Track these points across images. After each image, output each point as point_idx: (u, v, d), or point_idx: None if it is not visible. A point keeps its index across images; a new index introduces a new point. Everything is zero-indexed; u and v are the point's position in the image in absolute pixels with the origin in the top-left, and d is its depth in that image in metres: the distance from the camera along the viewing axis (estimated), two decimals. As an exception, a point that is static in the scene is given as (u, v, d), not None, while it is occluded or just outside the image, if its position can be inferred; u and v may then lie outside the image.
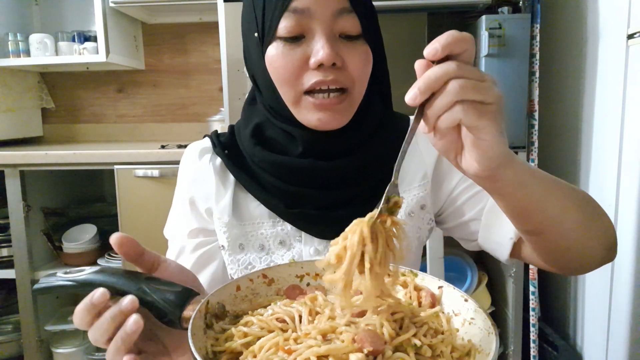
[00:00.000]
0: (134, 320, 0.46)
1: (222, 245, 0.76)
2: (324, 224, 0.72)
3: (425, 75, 0.43)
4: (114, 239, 0.52)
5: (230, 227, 0.75)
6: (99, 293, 0.47)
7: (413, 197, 0.75)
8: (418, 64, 0.45)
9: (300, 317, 0.49)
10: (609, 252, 0.63)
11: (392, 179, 0.49)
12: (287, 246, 0.74)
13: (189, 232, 0.79)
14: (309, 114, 0.67)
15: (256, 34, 0.68)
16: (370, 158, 0.73)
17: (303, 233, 0.74)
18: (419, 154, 0.77)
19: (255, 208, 0.75)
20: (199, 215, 0.79)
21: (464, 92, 0.42)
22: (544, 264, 0.66)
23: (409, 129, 0.47)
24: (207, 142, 0.81)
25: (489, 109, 0.43)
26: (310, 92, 0.66)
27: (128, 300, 0.47)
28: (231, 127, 0.82)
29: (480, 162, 0.45)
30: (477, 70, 0.44)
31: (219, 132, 0.82)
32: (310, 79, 0.65)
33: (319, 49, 0.63)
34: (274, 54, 0.66)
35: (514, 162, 0.48)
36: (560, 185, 0.57)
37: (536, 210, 0.54)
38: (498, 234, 0.71)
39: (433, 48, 0.43)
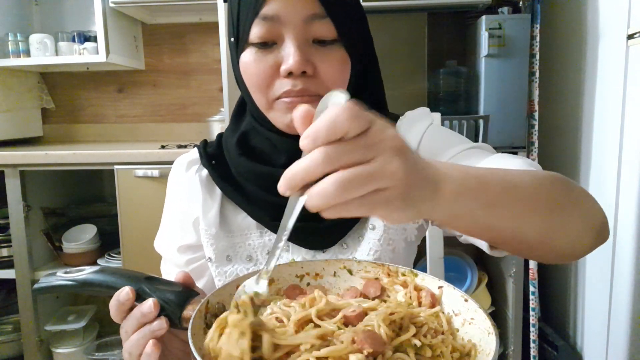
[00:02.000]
0: (159, 323, 0.50)
1: (209, 258, 0.76)
2: (310, 235, 0.72)
3: (290, 172, 0.36)
4: None
5: (217, 239, 0.75)
6: (124, 292, 0.51)
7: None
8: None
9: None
10: (598, 235, 0.55)
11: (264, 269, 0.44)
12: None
13: (178, 248, 0.79)
14: (282, 116, 0.66)
15: (232, 39, 0.68)
16: None
17: (290, 243, 0.73)
18: None
19: (243, 219, 0.75)
20: (186, 231, 0.79)
21: (346, 192, 0.34)
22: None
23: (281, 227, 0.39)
24: (194, 154, 0.81)
25: (381, 198, 0.35)
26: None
27: (148, 305, 0.50)
28: (219, 136, 0.81)
29: (391, 222, 0.40)
30: (366, 139, 0.34)
31: (207, 141, 0.82)
32: (281, 87, 0.64)
33: (288, 57, 0.62)
34: (247, 60, 0.65)
35: (433, 203, 0.39)
36: (516, 194, 0.47)
37: (481, 231, 0.48)
38: None
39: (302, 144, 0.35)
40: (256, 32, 0.63)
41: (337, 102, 0.36)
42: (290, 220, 0.39)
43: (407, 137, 0.74)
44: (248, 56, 0.65)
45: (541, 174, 0.52)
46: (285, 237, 0.39)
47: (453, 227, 0.48)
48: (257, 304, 0.43)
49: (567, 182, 0.54)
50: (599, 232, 0.55)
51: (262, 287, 0.44)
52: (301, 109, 0.37)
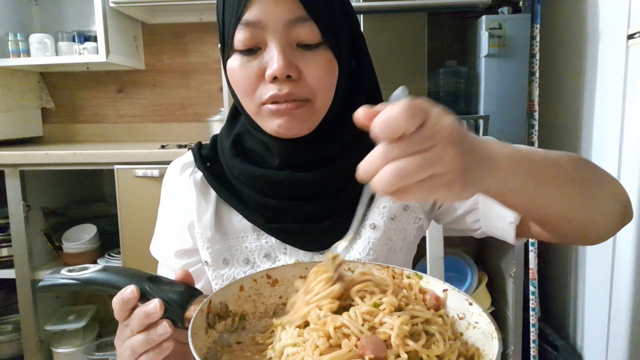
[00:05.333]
0: (163, 327, 0.50)
1: (206, 261, 0.75)
2: (306, 237, 0.71)
3: (365, 161, 0.40)
4: None
5: (213, 242, 0.74)
6: (129, 290, 0.51)
7: (395, 201, 0.74)
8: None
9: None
10: (624, 215, 0.61)
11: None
12: (273, 259, 0.74)
13: (175, 253, 0.78)
14: (269, 121, 0.66)
15: (219, 45, 0.68)
16: (350, 166, 0.70)
17: (288, 245, 0.73)
18: None
19: (238, 222, 0.75)
20: (182, 235, 0.78)
21: (403, 179, 0.38)
22: (557, 240, 0.65)
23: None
24: (189, 157, 0.81)
25: (440, 182, 0.39)
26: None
27: (153, 305, 0.50)
28: (214, 138, 0.81)
29: (452, 201, 0.45)
30: (423, 132, 0.38)
31: (202, 143, 0.81)
32: (266, 92, 0.64)
33: (272, 62, 0.62)
34: (233, 66, 0.65)
35: (490, 179, 0.44)
36: (559, 171, 0.53)
37: (533, 208, 0.53)
38: (498, 219, 0.70)
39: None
40: (240, 38, 0.63)
41: (396, 99, 0.40)
42: (360, 205, 0.47)
43: None
44: (234, 62, 0.65)
45: (570, 154, 0.56)
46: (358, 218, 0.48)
47: (506, 202, 0.51)
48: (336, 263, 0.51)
49: (590, 162, 0.59)
50: (626, 209, 0.61)
51: (340, 250, 0.52)
52: (361, 111, 0.40)
